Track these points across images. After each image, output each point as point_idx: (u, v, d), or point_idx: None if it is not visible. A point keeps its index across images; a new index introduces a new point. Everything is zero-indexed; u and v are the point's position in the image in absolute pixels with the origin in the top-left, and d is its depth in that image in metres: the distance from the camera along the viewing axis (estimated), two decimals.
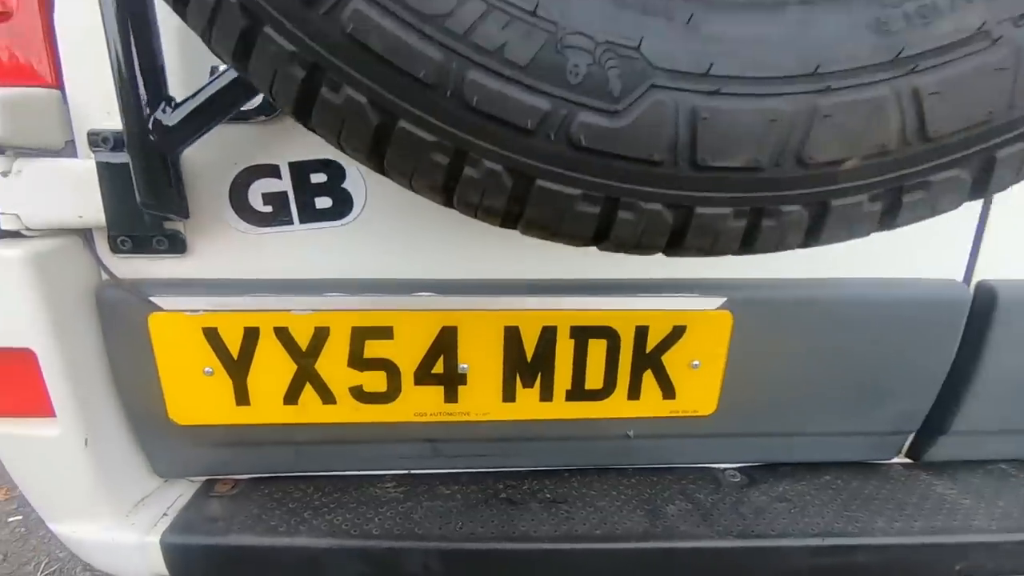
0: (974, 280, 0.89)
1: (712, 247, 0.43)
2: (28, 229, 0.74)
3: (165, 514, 0.90)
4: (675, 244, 0.43)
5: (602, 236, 0.43)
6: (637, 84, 0.36)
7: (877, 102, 0.37)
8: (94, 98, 0.74)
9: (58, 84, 0.75)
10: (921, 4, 0.37)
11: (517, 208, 0.41)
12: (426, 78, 0.36)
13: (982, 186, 0.42)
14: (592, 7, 0.36)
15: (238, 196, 0.79)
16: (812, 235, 0.43)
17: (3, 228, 0.74)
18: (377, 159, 0.41)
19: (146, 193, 0.70)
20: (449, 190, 0.42)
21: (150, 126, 0.67)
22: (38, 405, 0.79)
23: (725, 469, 1.03)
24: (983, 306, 0.89)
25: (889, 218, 0.43)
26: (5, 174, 0.72)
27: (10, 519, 2.31)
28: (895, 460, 1.06)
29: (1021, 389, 0.94)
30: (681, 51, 0.37)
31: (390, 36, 0.35)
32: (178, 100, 0.68)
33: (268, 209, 0.79)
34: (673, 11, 0.37)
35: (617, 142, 0.37)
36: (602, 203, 0.40)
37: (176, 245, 0.80)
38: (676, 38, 0.37)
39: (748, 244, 0.43)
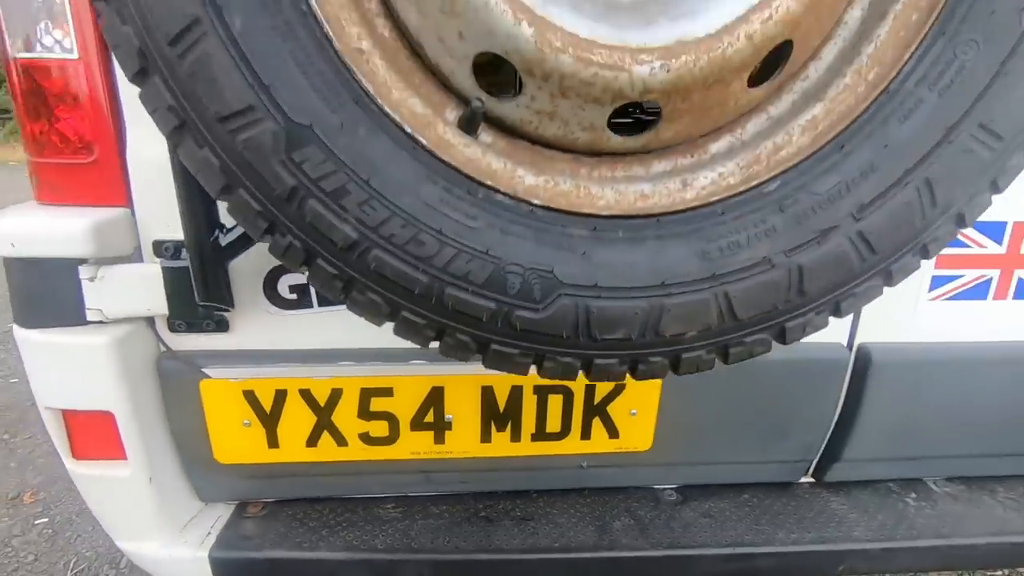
0: (855, 344, 1.13)
1: (610, 378, 0.65)
2: (107, 319, 0.95)
3: (209, 532, 1.12)
4: (586, 375, 0.65)
5: (538, 369, 0.65)
6: (551, 293, 0.59)
7: (703, 302, 0.60)
8: (156, 213, 0.95)
9: (128, 203, 0.95)
10: (729, 241, 0.60)
11: (480, 358, 0.64)
12: (419, 292, 0.58)
13: (781, 340, 0.65)
14: (523, 247, 0.58)
15: (270, 287, 1.00)
16: (674, 370, 0.65)
17: (90, 320, 0.95)
18: (389, 325, 0.63)
19: (203, 294, 0.91)
20: (436, 344, 0.64)
21: (209, 247, 0.88)
22: (114, 451, 1.01)
23: (664, 489, 1.27)
24: (862, 363, 1.12)
25: (722, 360, 0.65)
26: (92, 279, 0.93)
27: (36, 521, 2.51)
28: (803, 480, 1.30)
29: (894, 426, 1.18)
30: (578, 272, 0.59)
31: (397, 269, 0.57)
32: (228, 226, 0.89)
33: (293, 296, 1.01)
34: (574, 247, 0.59)
35: (540, 327, 0.59)
36: (533, 357, 0.63)
37: (221, 325, 1.01)
38: (575, 264, 0.59)
39: (633, 375, 0.65)
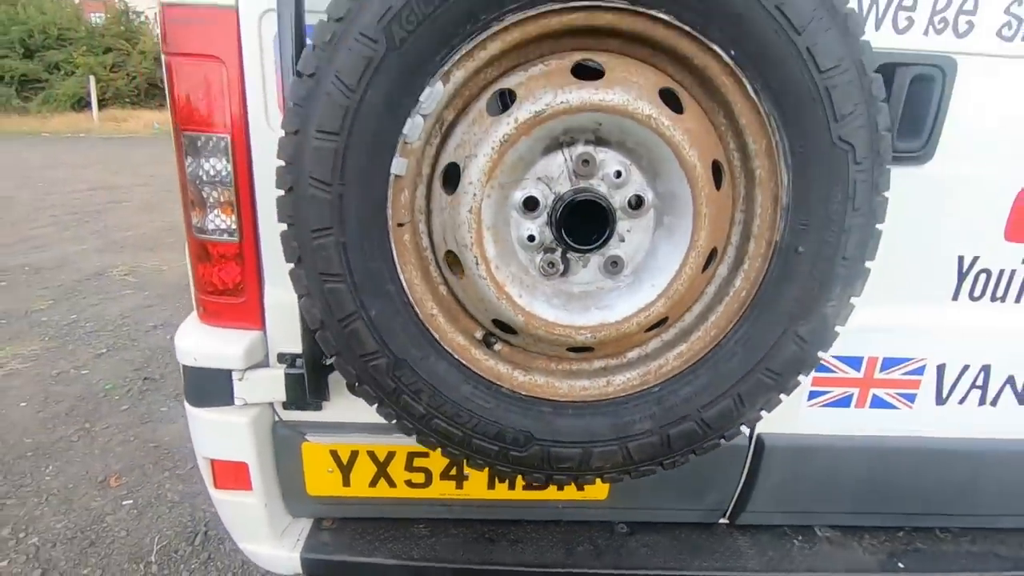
0: (754, 434, 1.59)
1: (562, 484, 1.13)
2: (247, 404, 1.45)
3: (298, 539, 1.63)
4: (550, 483, 1.13)
5: (524, 477, 1.14)
6: (529, 443, 1.07)
7: (614, 451, 1.07)
8: (280, 334, 1.44)
9: (262, 327, 1.44)
10: (630, 419, 1.07)
11: (488, 471, 1.12)
12: (457, 440, 1.06)
13: (662, 468, 1.12)
14: (515, 418, 1.06)
15: None
16: (606, 482, 1.13)
17: (236, 404, 1.44)
18: (437, 451, 1.12)
19: (312, 393, 1.40)
20: (466, 461, 1.13)
21: (320, 366, 1.37)
22: (244, 485, 1.52)
23: (618, 523, 1.75)
24: (758, 447, 1.59)
25: (629, 477, 1.13)
26: (240, 379, 1.42)
27: (124, 502, 3.06)
28: (721, 521, 1.78)
29: (783, 488, 1.65)
30: (545, 432, 1.07)
31: (446, 429, 1.05)
32: None
33: None
34: (543, 418, 1.07)
35: (523, 461, 1.08)
36: (519, 474, 1.11)
37: (316, 406, 1.50)
38: (544, 428, 1.07)
39: (576, 483, 1.13)
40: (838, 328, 1.04)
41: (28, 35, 23.70)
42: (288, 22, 1.09)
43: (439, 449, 1.11)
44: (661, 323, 1.05)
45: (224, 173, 1.33)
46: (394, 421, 1.08)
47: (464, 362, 1.05)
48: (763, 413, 1.09)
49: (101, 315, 5.40)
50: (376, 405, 1.06)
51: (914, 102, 1.30)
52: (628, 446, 1.07)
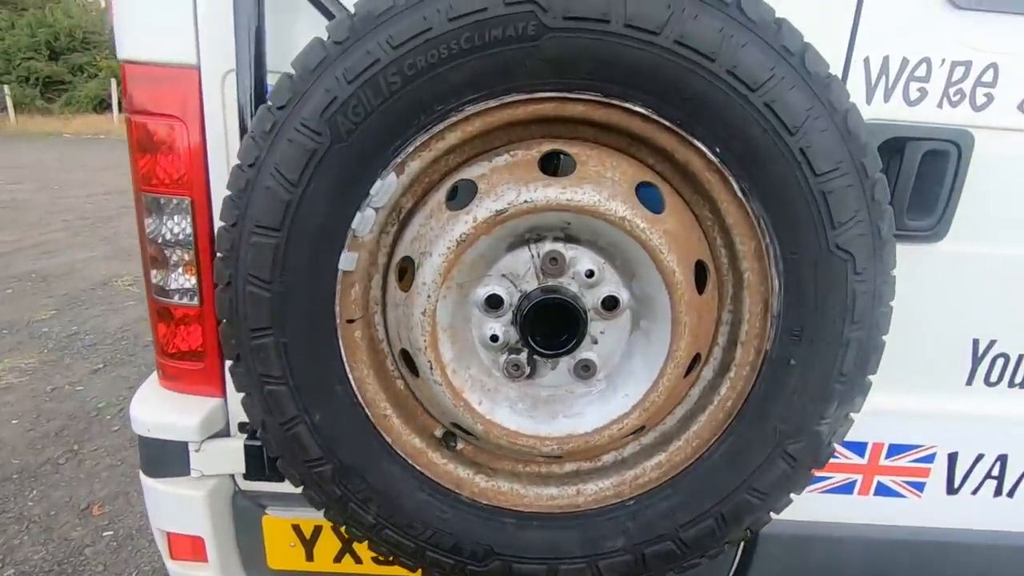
0: None
1: None
2: (204, 475, 1.37)
3: None
4: None
5: None
6: (488, 557, 0.97)
7: (582, 570, 0.97)
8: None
9: (223, 395, 1.36)
10: (601, 534, 0.97)
11: None
12: (409, 552, 0.97)
13: None
14: (474, 530, 0.97)
15: None
16: None
17: (192, 475, 1.36)
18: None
19: (272, 468, 1.31)
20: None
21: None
22: (200, 557, 1.43)
23: None
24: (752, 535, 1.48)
25: None
26: (197, 450, 1.34)
27: (104, 533, 2.99)
28: None
29: (783, 556, 1.53)
30: (508, 546, 0.97)
31: (398, 540, 0.96)
32: None
33: None
34: (506, 531, 0.97)
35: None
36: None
37: (276, 477, 1.41)
38: (506, 542, 0.97)
39: None
40: (834, 446, 0.94)
41: (54, 38, 24.18)
42: (248, 82, 1.02)
43: (391, 558, 1.02)
44: (638, 430, 0.96)
45: (185, 234, 1.26)
46: (343, 528, 0.99)
47: (419, 467, 0.96)
48: (748, 533, 0.99)
49: (102, 327, 5.37)
50: (322, 510, 0.97)
51: (927, 178, 1.20)
52: (599, 564, 0.97)
